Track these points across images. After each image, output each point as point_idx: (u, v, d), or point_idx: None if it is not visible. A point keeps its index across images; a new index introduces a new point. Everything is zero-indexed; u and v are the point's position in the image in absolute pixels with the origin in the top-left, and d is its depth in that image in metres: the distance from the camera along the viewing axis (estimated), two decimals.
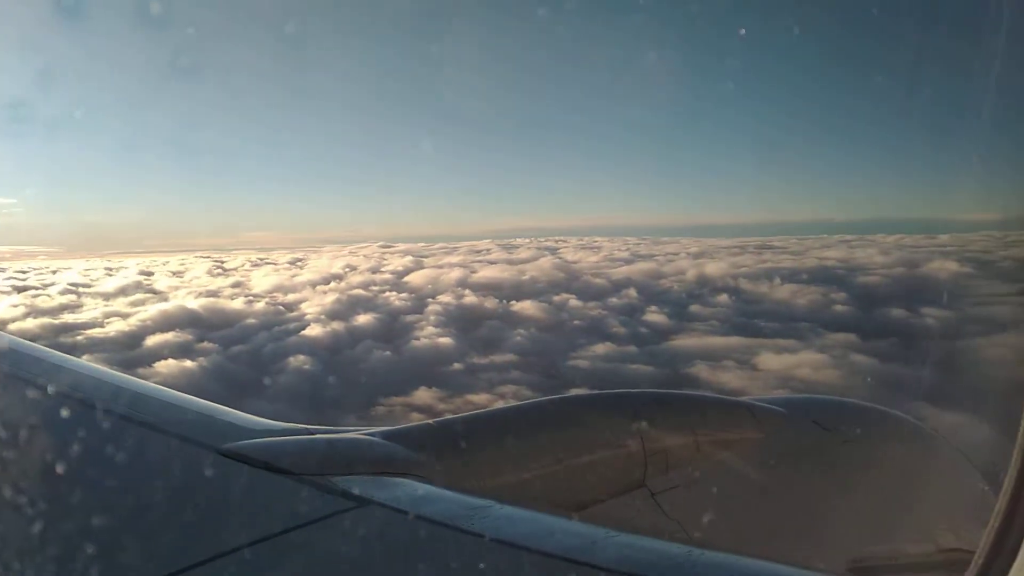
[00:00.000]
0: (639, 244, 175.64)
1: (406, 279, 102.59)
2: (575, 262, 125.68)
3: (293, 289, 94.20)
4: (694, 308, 75.31)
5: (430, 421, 2.54)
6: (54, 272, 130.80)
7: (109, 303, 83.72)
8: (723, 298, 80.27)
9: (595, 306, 78.04)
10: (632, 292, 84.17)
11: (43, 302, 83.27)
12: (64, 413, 2.71)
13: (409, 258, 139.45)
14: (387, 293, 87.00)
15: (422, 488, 2.00)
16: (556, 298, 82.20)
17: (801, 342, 57.97)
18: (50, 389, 2.94)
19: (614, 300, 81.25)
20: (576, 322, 70.99)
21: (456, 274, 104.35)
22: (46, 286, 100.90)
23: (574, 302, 79.87)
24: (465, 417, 2.68)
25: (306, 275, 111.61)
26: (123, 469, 2.21)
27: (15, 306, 78.23)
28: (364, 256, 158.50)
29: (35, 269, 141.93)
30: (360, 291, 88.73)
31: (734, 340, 60.29)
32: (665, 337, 63.08)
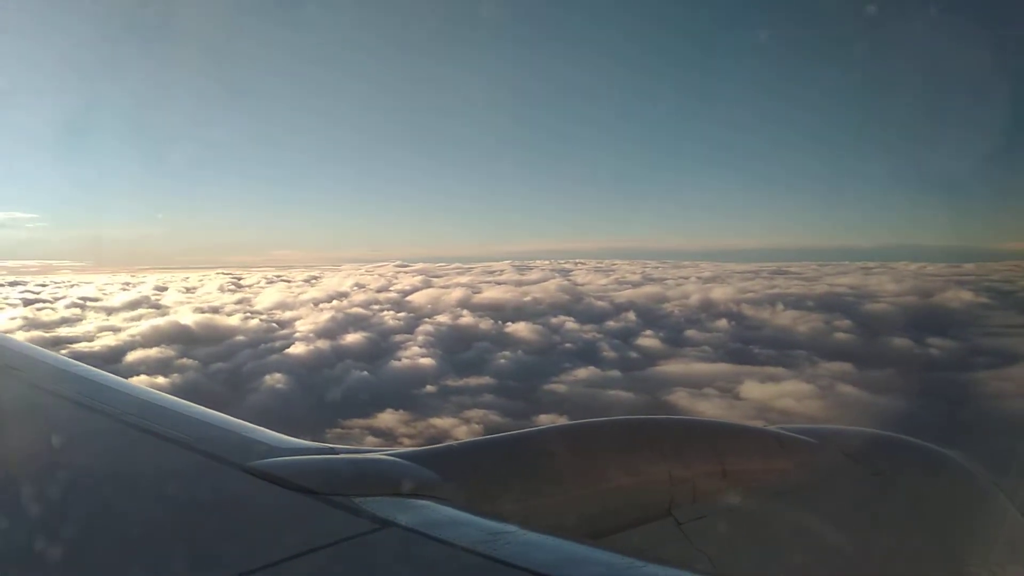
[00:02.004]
0: (656, 267, 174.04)
1: (409, 298, 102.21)
2: (583, 284, 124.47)
3: (294, 306, 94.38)
4: (690, 333, 73.67)
5: (452, 443, 2.57)
6: (71, 286, 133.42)
7: (109, 318, 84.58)
8: (722, 323, 78.43)
9: (591, 329, 76.68)
10: (631, 315, 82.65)
11: (45, 315, 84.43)
12: (90, 427, 2.75)
13: (420, 278, 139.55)
14: (385, 312, 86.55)
15: (445, 511, 2.01)
16: (554, 320, 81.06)
17: (791, 371, 55.99)
18: (75, 402, 2.99)
19: (611, 323, 79.88)
20: (567, 345, 69.68)
21: (459, 294, 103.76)
22: (56, 300, 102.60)
23: (571, 324, 78.65)
24: (489, 440, 2.69)
25: (313, 293, 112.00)
26: (149, 484, 2.23)
27: (13, 319, 79.38)
28: (379, 275, 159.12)
29: (56, 283, 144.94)
30: (359, 310, 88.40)
31: (722, 367, 58.47)
32: (653, 362, 61.51)
